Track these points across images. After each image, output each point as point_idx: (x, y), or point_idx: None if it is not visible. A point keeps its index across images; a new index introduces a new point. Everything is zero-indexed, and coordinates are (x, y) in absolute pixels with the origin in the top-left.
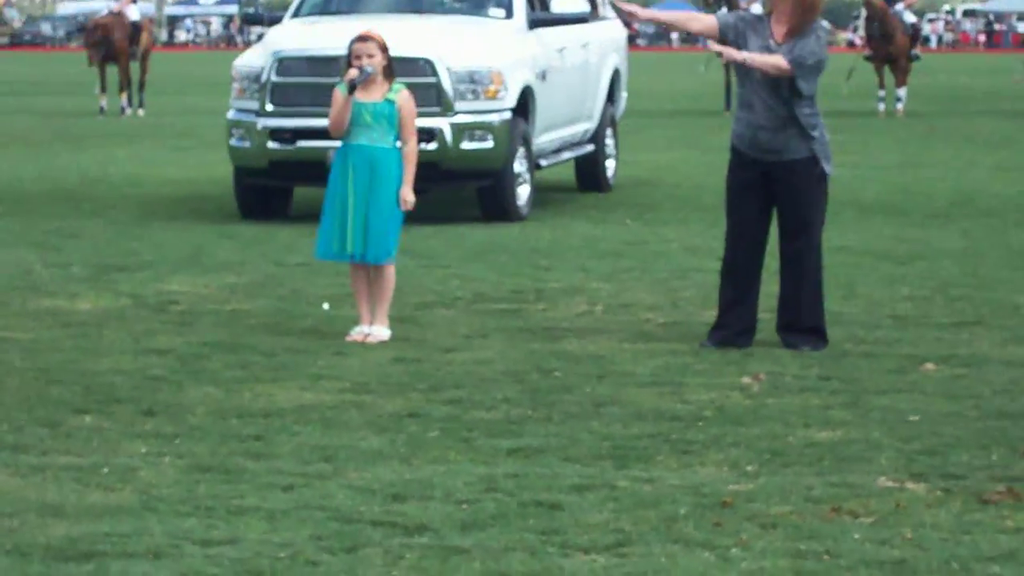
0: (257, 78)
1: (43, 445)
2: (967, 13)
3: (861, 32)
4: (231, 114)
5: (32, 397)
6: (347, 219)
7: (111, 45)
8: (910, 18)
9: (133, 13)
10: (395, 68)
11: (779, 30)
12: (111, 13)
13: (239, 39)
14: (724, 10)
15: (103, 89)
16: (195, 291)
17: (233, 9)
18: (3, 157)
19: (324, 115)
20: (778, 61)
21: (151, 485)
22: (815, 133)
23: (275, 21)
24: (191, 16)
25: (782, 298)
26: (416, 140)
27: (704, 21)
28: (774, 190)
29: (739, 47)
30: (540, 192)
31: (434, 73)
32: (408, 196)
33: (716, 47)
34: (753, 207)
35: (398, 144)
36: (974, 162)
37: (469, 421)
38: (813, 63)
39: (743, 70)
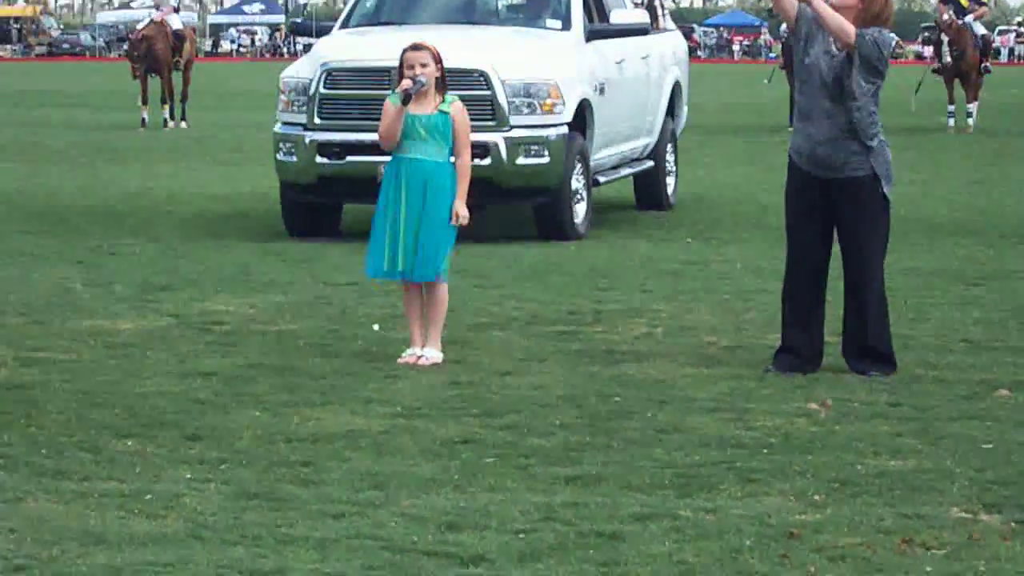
0: (305, 90)
1: (85, 470)
2: None
3: (947, 59)
4: (278, 127)
5: (73, 420)
6: (398, 235)
7: (153, 56)
8: (980, 30)
9: (175, 22)
10: (448, 80)
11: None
12: (152, 22)
13: (285, 50)
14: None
15: (144, 101)
16: (241, 311)
17: (279, 19)
18: (42, 172)
19: (374, 129)
20: (847, 26)
21: (196, 512)
22: (873, 144)
23: (323, 31)
24: (235, 25)
25: (847, 322)
26: (470, 154)
27: (793, 5)
28: (834, 210)
29: (805, 48)
30: (598, 210)
31: (488, 86)
32: (461, 211)
33: None
34: (813, 229)
35: (451, 158)
36: None
37: (526, 448)
38: (876, 54)
39: (804, 75)
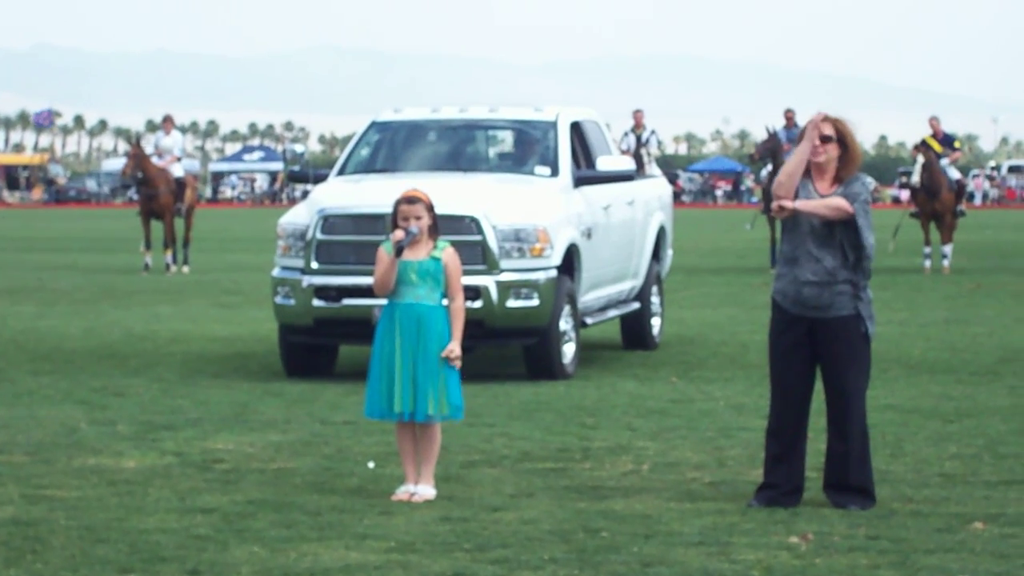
0: (302, 236)
1: None
2: (1012, 169)
3: (915, 178)
4: (276, 272)
5: (77, 556)
6: (395, 377)
7: (156, 202)
8: (955, 174)
9: (177, 170)
10: (440, 226)
11: (822, 185)
12: (128, 155)
13: (284, 196)
14: (769, 167)
15: (148, 246)
16: (240, 449)
17: (278, 166)
18: (50, 314)
19: (369, 273)
20: (838, 203)
21: None
22: (865, 292)
23: (320, 179)
24: (236, 173)
25: (829, 457)
26: (463, 297)
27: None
28: (818, 349)
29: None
30: (586, 350)
31: (480, 231)
32: (456, 351)
33: (789, 205)
34: (797, 367)
35: (444, 302)
36: (1021, 318)
37: None
38: (866, 197)
39: (790, 224)
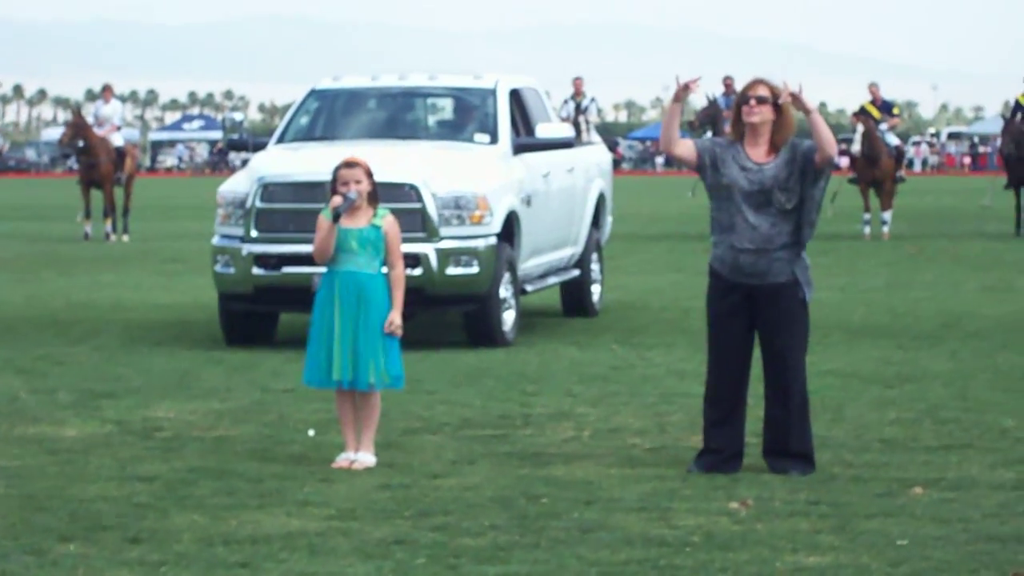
0: (242, 204)
1: (28, 573)
2: (952, 136)
3: (856, 147)
4: (216, 240)
5: (17, 524)
6: (333, 345)
7: (96, 171)
8: (894, 140)
9: (117, 139)
10: (380, 194)
11: (756, 152)
12: (67, 123)
13: (225, 165)
14: (709, 134)
15: (88, 215)
16: (181, 417)
17: (218, 135)
18: None
19: (309, 241)
20: (831, 137)
21: None
22: (802, 257)
23: (259, 147)
24: (177, 141)
25: (768, 422)
26: (403, 265)
27: (685, 145)
28: (756, 314)
29: (716, 170)
30: (526, 317)
31: (419, 199)
32: (397, 320)
33: (789, 94)
34: (735, 333)
35: (384, 269)
36: (961, 284)
37: (456, 548)
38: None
39: (724, 192)
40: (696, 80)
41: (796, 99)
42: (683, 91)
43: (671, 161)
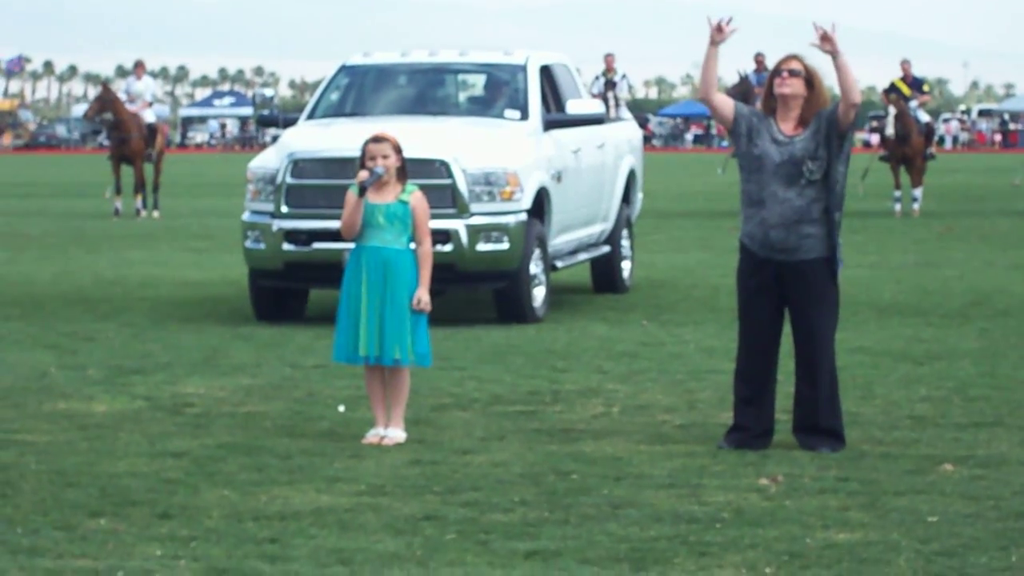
0: (272, 180)
1: (59, 548)
2: (982, 113)
3: (890, 130)
4: (246, 216)
5: (48, 500)
6: (361, 321)
7: (127, 147)
8: (924, 117)
9: (148, 116)
10: (410, 170)
11: (786, 126)
12: (96, 97)
13: (255, 141)
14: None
15: (118, 191)
16: (210, 393)
17: (248, 111)
18: (19, 260)
19: (339, 217)
20: (855, 83)
21: None
22: (836, 231)
23: (290, 123)
24: (208, 117)
25: (798, 399)
26: (431, 241)
27: (725, 101)
28: (786, 291)
29: (750, 140)
30: (556, 293)
31: (449, 175)
32: (424, 297)
33: (821, 34)
34: (765, 309)
35: (411, 245)
36: (991, 262)
37: (486, 524)
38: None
39: (755, 164)
40: (728, 21)
41: (826, 39)
42: (718, 33)
43: (701, 138)
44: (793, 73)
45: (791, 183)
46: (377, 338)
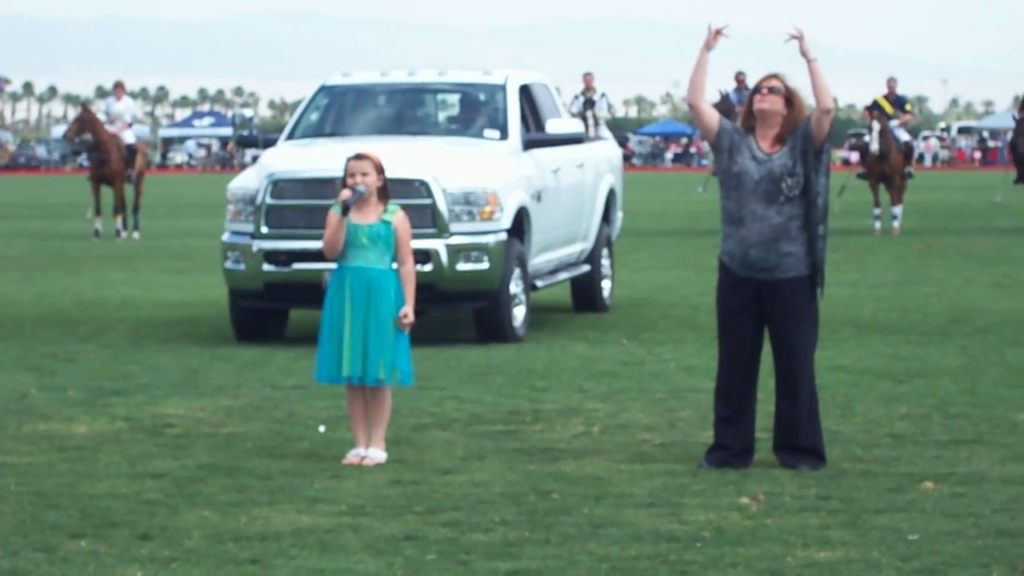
0: (252, 200)
1: (39, 570)
2: (962, 130)
3: (875, 146)
4: (226, 236)
5: (28, 521)
6: (343, 341)
7: (107, 168)
8: (904, 136)
9: (128, 136)
10: (390, 189)
11: (765, 143)
12: (75, 118)
13: (236, 161)
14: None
15: (98, 212)
16: (191, 414)
17: (228, 131)
18: None
19: (319, 237)
20: (828, 87)
21: None
22: (822, 245)
23: (269, 143)
24: (187, 138)
25: (778, 418)
26: (412, 261)
27: (711, 113)
28: (765, 310)
29: (731, 157)
30: (536, 313)
31: (429, 194)
32: (410, 315)
33: (793, 35)
34: (745, 328)
35: (394, 265)
36: (971, 279)
37: (467, 543)
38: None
39: (733, 182)
40: (725, 28)
41: (800, 42)
42: (714, 38)
43: (680, 157)
44: (773, 90)
45: (770, 201)
46: (361, 358)
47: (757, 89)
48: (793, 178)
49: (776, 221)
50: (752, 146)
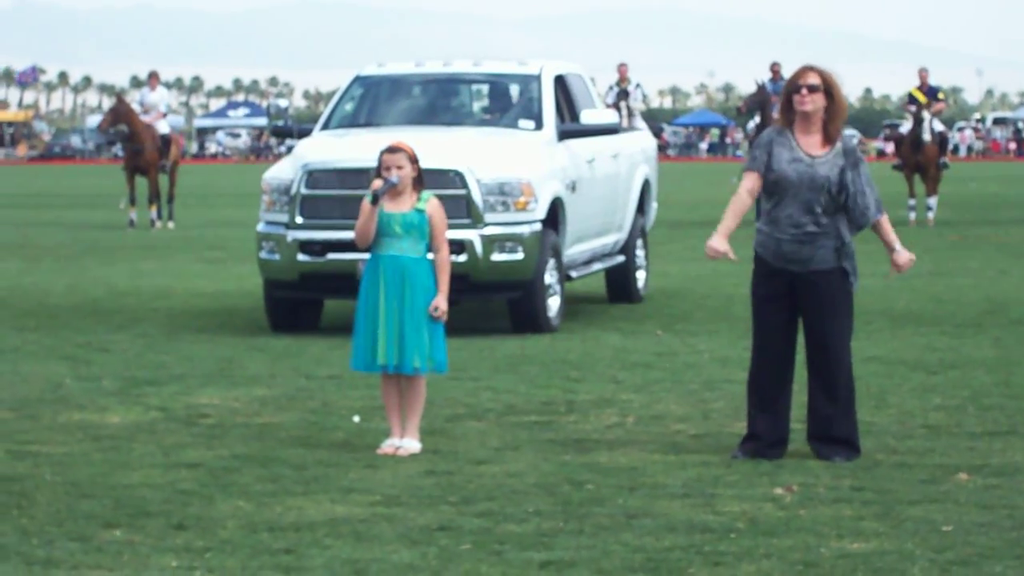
0: (287, 190)
1: (74, 560)
2: (997, 121)
3: (927, 136)
4: (261, 227)
5: (63, 511)
6: (379, 329)
7: (142, 158)
8: (938, 126)
9: (163, 127)
10: (425, 180)
11: (808, 141)
12: (110, 109)
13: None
14: (757, 120)
15: (132, 202)
16: (225, 404)
17: (262, 122)
18: (34, 271)
19: (353, 227)
20: (909, 256)
21: None
22: (849, 244)
23: (304, 133)
24: (222, 128)
25: (812, 408)
26: (447, 249)
27: (751, 182)
28: (799, 301)
29: (770, 168)
30: (570, 303)
31: (464, 185)
32: (443, 305)
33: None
34: (779, 318)
35: (428, 254)
36: (1005, 271)
37: (501, 534)
38: (861, 157)
39: (770, 185)
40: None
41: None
42: (717, 255)
43: (715, 147)
44: (812, 88)
45: (808, 204)
46: (396, 347)
47: (796, 89)
48: (837, 187)
49: (811, 223)
50: (792, 145)
